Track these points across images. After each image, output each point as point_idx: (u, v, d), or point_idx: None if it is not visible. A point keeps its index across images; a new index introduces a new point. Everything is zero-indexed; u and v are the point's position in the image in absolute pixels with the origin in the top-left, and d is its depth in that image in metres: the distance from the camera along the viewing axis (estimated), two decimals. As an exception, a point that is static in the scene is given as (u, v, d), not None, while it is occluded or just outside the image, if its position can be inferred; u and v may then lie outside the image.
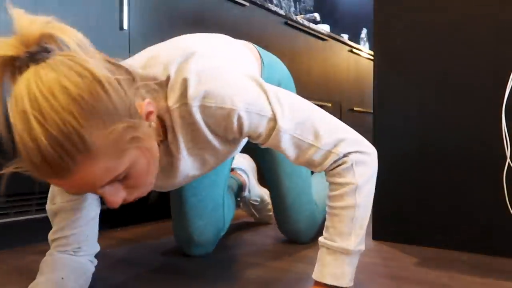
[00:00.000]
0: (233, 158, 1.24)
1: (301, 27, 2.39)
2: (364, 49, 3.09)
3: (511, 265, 1.10)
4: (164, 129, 0.79)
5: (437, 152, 1.27)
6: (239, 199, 1.50)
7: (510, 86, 1.14)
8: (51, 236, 0.87)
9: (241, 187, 1.47)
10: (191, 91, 0.74)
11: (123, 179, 0.65)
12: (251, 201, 1.53)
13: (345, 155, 0.79)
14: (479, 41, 1.21)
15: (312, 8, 3.91)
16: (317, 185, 1.35)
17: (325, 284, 0.80)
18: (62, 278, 0.81)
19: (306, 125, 0.79)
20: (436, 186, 1.27)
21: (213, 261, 1.13)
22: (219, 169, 1.16)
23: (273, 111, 0.77)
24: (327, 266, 0.81)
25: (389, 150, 1.35)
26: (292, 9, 3.63)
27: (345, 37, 3.18)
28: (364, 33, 3.59)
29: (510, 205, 1.15)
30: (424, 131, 1.29)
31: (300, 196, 1.25)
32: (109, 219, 1.47)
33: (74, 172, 0.57)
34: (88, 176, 0.58)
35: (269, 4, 2.17)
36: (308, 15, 3.18)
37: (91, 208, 0.87)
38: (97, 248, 0.92)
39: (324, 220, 0.87)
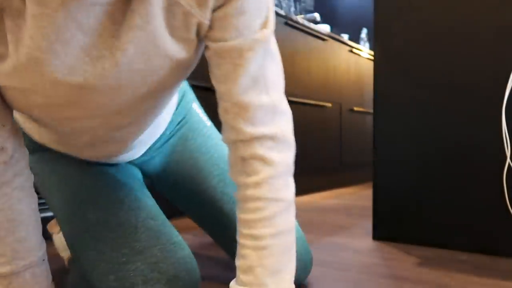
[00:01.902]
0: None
1: (301, 27, 2.39)
2: (364, 49, 3.09)
3: (511, 265, 1.10)
4: None
5: (437, 152, 1.27)
6: None
7: (510, 86, 1.14)
8: None
9: None
10: None
11: None
12: None
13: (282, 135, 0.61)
14: (479, 41, 1.21)
15: (312, 8, 3.91)
16: None
17: None
18: None
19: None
20: (436, 186, 1.27)
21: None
22: None
23: (267, 15, 0.59)
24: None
25: (389, 150, 1.35)
26: (292, 9, 3.63)
27: (345, 37, 3.19)
28: (364, 33, 3.59)
29: (510, 205, 1.15)
30: (424, 131, 1.29)
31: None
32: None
33: None
34: None
35: (269, 4, 2.17)
36: (308, 15, 3.17)
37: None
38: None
39: None
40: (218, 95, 0.62)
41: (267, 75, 0.60)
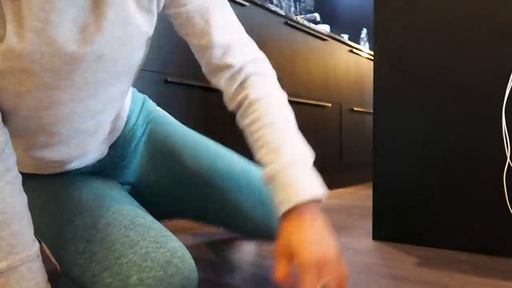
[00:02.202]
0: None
1: (301, 27, 2.39)
2: (364, 49, 3.09)
3: (511, 265, 1.10)
4: None
5: (437, 152, 1.27)
6: None
7: (510, 86, 1.14)
8: None
9: None
10: None
11: None
12: None
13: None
14: (479, 41, 1.21)
15: (312, 8, 3.91)
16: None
17: (294, 211, 0.64)
18: None
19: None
20: (436, 186, 1.27)
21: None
22: None
23: None
24: (292, 185, 0.65)
25: (389, 150, 1.35)
26: (292, 9, 3.63)
27: (345, 37, 3.19)
28: (364, 33, 3.59)
29: (510, 205, 1.15)
30: (424, 131, 1.29)
31: (232, 174, 0.94)
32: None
33: None
34: None
35: (269, 4, 2.17)
36: (308, 15, 3.18)
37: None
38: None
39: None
40: (199, 48, 0.75)
41: (229, 18, 0.76)
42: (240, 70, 0.75)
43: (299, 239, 0.63)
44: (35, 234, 0.81)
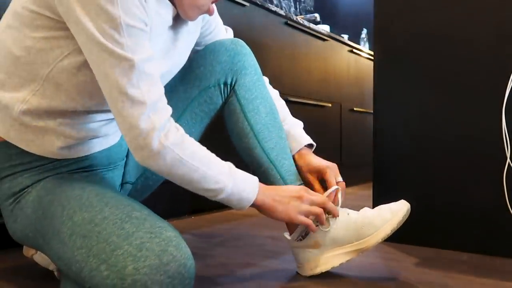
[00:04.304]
0: None
1: (301, 27, 2.39)
2: (364, 49, 3.09)
3: (511, 265, 1.10)
4: None
5: (437, 152, 1.27)
6: None
7: (510, 86, 1.14)
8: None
9: None
10: None
11: None
12: None
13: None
14: (479, 41, 1.21)
15: (312, 9, 3.91)
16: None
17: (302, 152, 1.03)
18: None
19: None
20: (436, 186, 1.27)
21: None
22: None
23: None
24: (300, 136, 1.04)
25: (389, 150, 1.35)
26: (292, 9, 3.63)
27: (345, 37, 3.18)
28: (364, 33, 3.59)
29: (510, 205, 1.15)
30: (424, 131, 1.29)
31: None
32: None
33: None
34: None
35: (269, 4, 2.17)
36: (308, 16, 3.18)
37: None
38: None
39: None
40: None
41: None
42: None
43: (317, 160, 1.06)
44: (35, 234, 0.81)
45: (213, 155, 0.83)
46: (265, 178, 1.00)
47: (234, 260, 1.14)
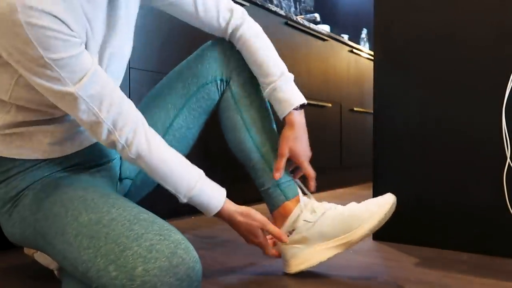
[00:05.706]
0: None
1: (301, 27, 2.39)
2: (364, 49, 3.09)
3: (511, 265, 1.10)
4: None
5: (437, 152, 1.27)
6: None
7: (510, 86, 1.14)
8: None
9: None
10: None
11: None
12: None
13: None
14: (479, 41, 1.21)
15: (312, 9, 3.91)
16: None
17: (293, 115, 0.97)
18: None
19: None
20: (436, 186, 1.27)
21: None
22: None
23: None
24: (292, 95, 0.98)
25: (389, 150, 1.35)
26: (292, 9, 3.63)
27: (345, 37, 3.18)
28: (364, 33, 3.59)
29: (510, 205, 1.15)
30: (424, 131, 1.29)
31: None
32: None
33: None
34: None
35: (269, 4, 2.17)
36: (308, 16, 3.18)
37: None
38: None
39: None
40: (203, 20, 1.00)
41: None
42: (234, 24, 1.03)
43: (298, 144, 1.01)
44: (35, 236, 0.81)
45: (185, 161, 0.88)
46: (255, 172, 1.02)
47: (234, 260, 1.14)
